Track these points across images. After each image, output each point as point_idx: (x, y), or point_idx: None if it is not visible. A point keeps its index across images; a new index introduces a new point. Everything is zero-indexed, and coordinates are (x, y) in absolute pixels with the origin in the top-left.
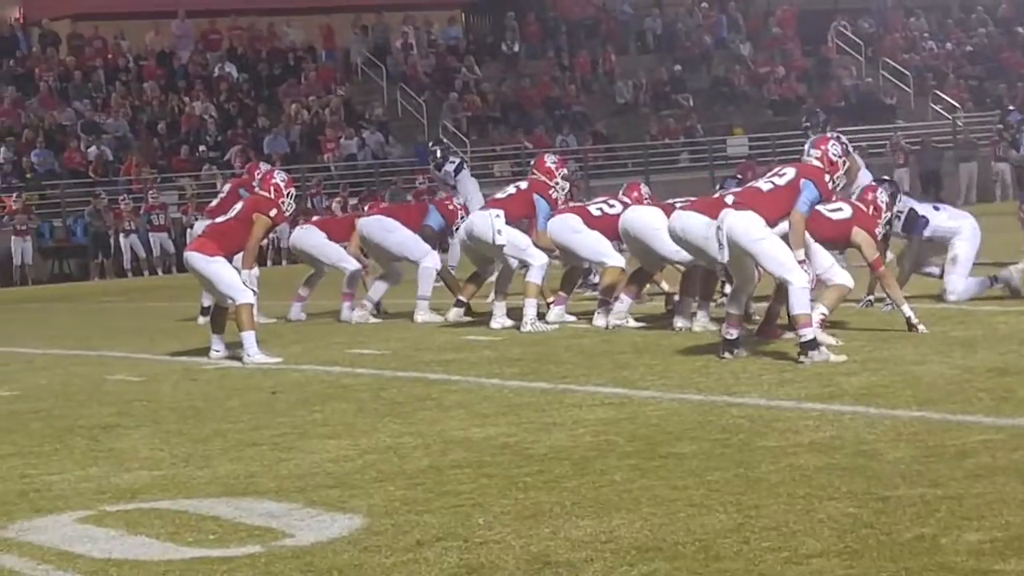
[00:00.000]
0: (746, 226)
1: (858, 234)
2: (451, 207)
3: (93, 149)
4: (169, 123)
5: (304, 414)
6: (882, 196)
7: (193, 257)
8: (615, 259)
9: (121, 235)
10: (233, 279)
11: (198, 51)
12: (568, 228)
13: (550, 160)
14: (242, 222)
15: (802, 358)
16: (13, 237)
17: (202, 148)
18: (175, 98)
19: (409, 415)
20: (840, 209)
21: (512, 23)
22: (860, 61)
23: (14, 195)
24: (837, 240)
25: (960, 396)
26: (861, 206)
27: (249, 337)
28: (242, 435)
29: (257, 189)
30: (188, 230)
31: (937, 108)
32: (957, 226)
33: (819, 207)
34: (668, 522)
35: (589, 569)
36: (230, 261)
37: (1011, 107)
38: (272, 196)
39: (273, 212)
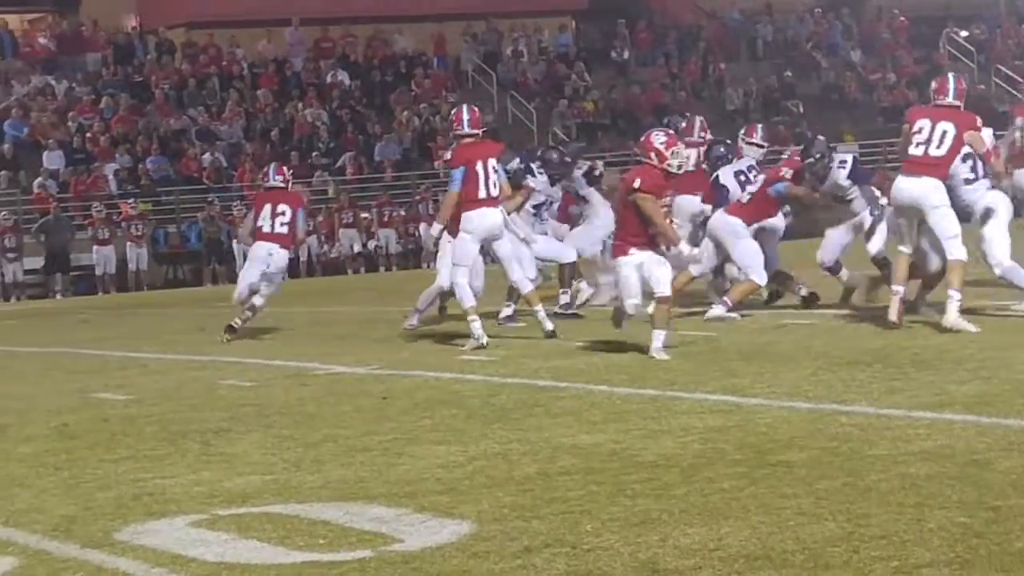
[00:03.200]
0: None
1: (971, 135)
2: None
3: (207, 156)
4: (282, 130)
5: (414, 420)
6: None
7: None
8: (759, 276)
9: (235, 241)
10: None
11: (311, 59)
12: (731, 230)
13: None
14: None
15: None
16: (129, 243)
17: (314, 155)
18: (288, 105)
19: (518, 421)
20: (945, 132)
21: (622, 30)
22: (972, 68)
23: (130, 201)
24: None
25: None
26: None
27: (662, 336)
28: (353, 440)
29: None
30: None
31: None
32: None
33: (934, 148)
34: (777, 530)
35: None
36: None
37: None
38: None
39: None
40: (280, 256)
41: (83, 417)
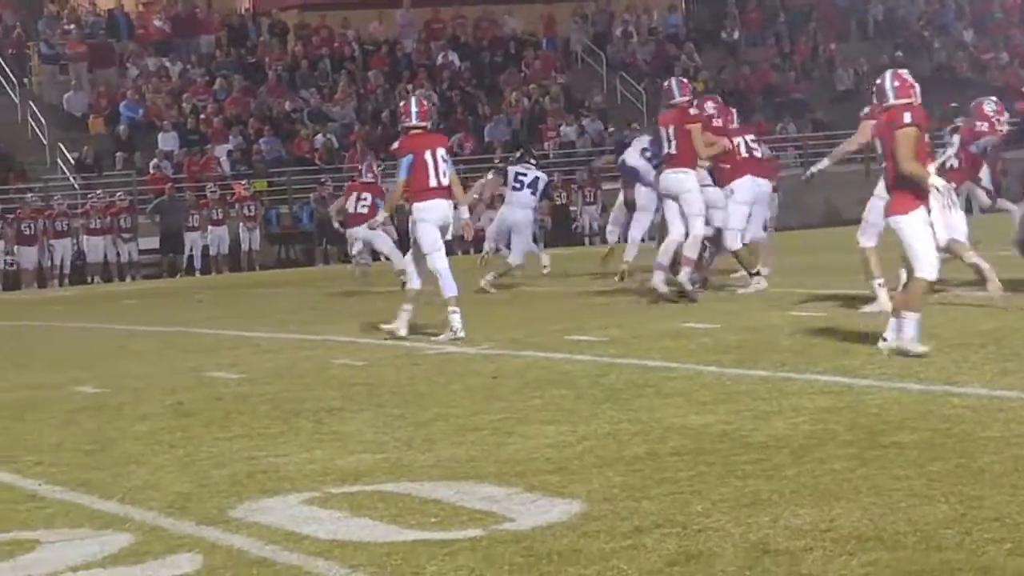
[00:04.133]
0: None
1: None
2: None
3: (319, 137)
4: (392, 111)
5: (524, 399)
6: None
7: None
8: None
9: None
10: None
11: (421, 40)
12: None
13: None
14: None
15: None
16: (241, 223)
17: None
18: (399, 86)
19: (628, 402)
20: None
21: (732, 10)
22: None
23: (243, 182)
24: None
25: None
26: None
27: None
28: (463, 419)
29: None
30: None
31: None
32: None
33: None
34: (888, 512)
35: (808, 558)
36: None
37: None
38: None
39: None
40: (360, 230)
41: (197, 396)
